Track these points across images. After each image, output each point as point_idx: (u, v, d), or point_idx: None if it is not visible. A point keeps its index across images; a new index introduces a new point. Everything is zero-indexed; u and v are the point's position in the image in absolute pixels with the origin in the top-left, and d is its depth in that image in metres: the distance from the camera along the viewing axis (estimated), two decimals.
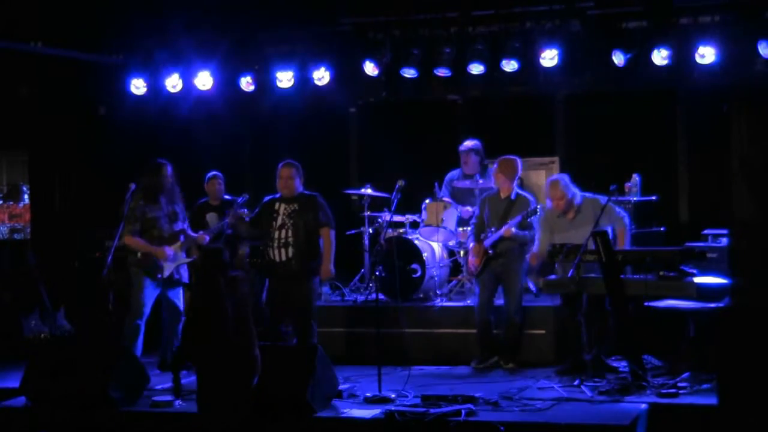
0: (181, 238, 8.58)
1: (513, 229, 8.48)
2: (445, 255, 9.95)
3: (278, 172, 8.22)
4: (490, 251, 8.61)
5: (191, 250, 8.62)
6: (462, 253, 9.57)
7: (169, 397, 7.60)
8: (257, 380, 6.50)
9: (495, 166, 8.81)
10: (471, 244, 8.87)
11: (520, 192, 8.77)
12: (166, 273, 8.48)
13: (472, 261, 8.78)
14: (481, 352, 8.73)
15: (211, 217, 9.64)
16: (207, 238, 8.72)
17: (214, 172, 9.73)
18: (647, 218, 9.37)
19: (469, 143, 9.77)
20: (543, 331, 8.82)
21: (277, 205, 8.20)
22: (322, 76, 10.38)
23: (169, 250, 8.48)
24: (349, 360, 8.79)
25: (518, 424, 6.81)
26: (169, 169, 8.60)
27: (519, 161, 8.77)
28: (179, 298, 8.67)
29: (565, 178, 8.32)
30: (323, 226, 8.18)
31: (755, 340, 6.00)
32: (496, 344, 8.71)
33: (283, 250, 8.10)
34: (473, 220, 9.05)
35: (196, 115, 10.87)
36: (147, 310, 8.45)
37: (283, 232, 8.10)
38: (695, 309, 7.84)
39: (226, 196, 9.66)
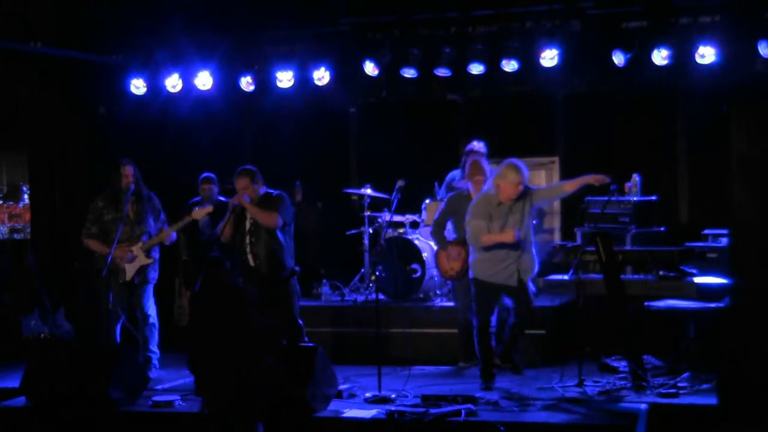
0: (144, 238, 8.52)
1: None
2: None
3: (236, 184, 8.14)
4: None
5: (151, 249, 8.54)
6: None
7: (169, 397, 7.62)
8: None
9: (468, 167, 8.69)
10: (447, 248, 8.59)
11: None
12: (128, 276, 8.48)
13: (453, 266, 8.58)
14: (465, 353, 8.71)
15: (204, 220, 9.59)
16: (174, 235, 8.62)
17: (206, 174, 9.64)
18: (647, 218, 9.37)
19: (479, 145, 9.69)
20: (543, 331, 8.82)
21: (245, 211, 8.20)
22: (322, 76, 10.37)
23: (130, 254, 8.45)
24: (349, 360, 8.78)
25: (518, 424, 6.82)
26: (129, 169, 8.52)
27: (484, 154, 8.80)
28: (148, 300, 8.62)
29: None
30: (274, 212, 8.08)
31: (755, 340, 6.01)
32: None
33: (253, 255, 8.12)
34: (433, 222, 8.92)
35: (196, 115, 10.86)
36: (118, 313, 8.48)
37: (252, 237, 8.12)
38: (695, 309, 7.85)
39: (221, 198, 9.59)
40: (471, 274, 7.93)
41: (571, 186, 7.87)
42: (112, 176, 8.54)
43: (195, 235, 9.59)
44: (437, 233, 8.69)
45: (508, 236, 7.65)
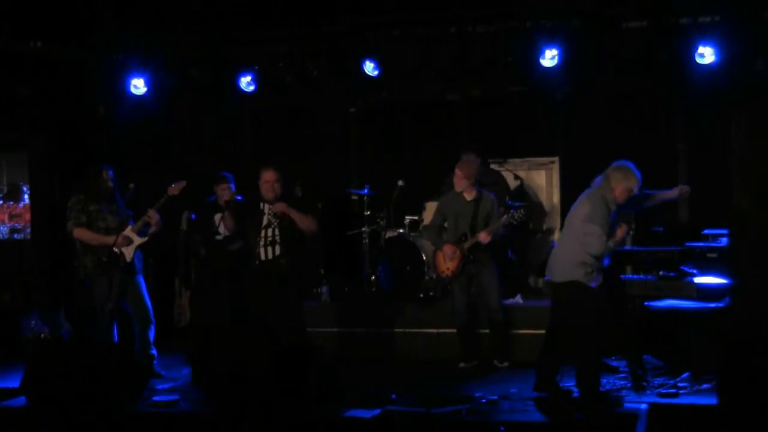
0: (131, 222, 8.55)
1: (490, 235, 8.51)
2: None
3: (262, 176, 8.11)
4: (470, 256, 8.60)
5: (141, 230, 8.53)
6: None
7: (169, 397, 7.62)
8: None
9: (459, 166, 8.76)
10: (442, 249, 8.69)
11: (482, 191, 8.77)
12: (128, 258, 8.46)
13: (449, 266, 8.68)
14: (466, 353, 8.73)
15: (218, 218, 9.60)
16: (156, 213, 8.57)
17: (222, 173, 9.65)
18: (647, 218, 9.37)
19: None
20: (543, 331, 8.79)
21: (261, 206, 8.20)
22: (322, 76, 10.36)
23: (124, 235, 8.46)
24: (349, 360, 8.79)
25: (518, 423, 6.82)
26: (110, 173, 8.54)
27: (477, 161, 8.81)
28: (144, 290, 8.60)
29: None
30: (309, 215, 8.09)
31: (755, 340, 6.02)
32: (478, 344, 8.72)
33: (270, 249, 8.08)
34: (428, 224, 8.98)
35: (195, 115, 10.86)
36: (115, 305, 8.42)
37: (270, 231, 8.09)
38: (695, 309, 7.85)
39: (237, 198, 9.60)
40: (586, 282, 7.24)
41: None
42: (91, 179, 8.53)
43: (210, 235, 9.58)
44: (434, 234, 8.78)
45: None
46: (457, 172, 8.64)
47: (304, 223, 8.03)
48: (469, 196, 8.66)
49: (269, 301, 8.06)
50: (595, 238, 7.19)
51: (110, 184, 8.54)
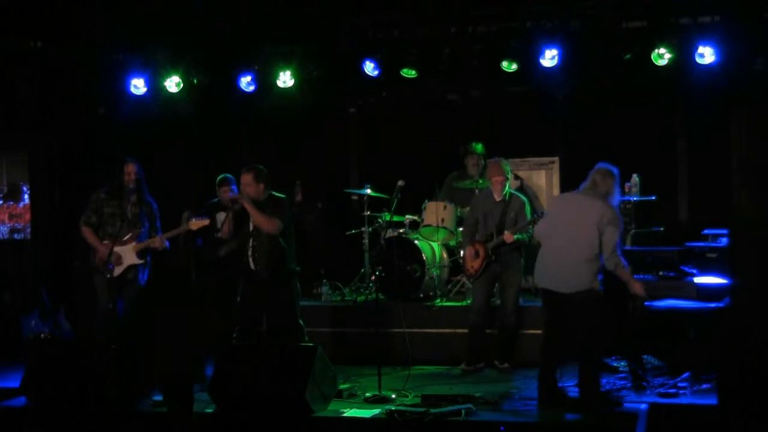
0: (142, 237, 8.53)
1: (514, 236, 8.50)
2: (445, 255, 9.95)
3: (240, 179, 8.07)
4: (492, 256, 8.61)
5: (144, 252, 8.55)
6: (462, 253, 9.56)
7: None
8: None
9: (489, 168, 8.83)
10: (468, 247, 8.81)
11: (513, 192, 8.79)
12: (116, 273, 8.46)
13: (473, 264, 8.75)
14: (471, 355, 8.72)
15: (220, 217, 9.61)
16: (167, 242, 8.59)
17: (224, 175, 9.63)
18: (647, 218, 9.37)
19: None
20: (542, 331, 8.80)
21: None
22: (321, 76, 10.36)
23: (120, 251, 8.44)
24: (349, 360, 8.79)
25: (518, 424, 6.83)
26: (133, 167, 8.55)
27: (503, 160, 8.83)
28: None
29: None
30: (274, 218, 7.98)
31: (755, 340, 6.01)
32: (486, 348, 8.71)
33: (253, 258, 8.04)
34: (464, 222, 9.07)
35: (195, 115, 10.85)
36: (111, 305, 8.44)
37: (255, 241, 8.04)
38: (695, 309, 7.85)
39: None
40: (597, 287, 7.23)
41: (623, 275, 7.37)
42: (116, 172, 8.56)
43: (211, 233, 9.58)
44: (465, 233, 8.93)
45: (639, 289, 7.33)
46: (494, 179, 8.65)
47: (258, 219, 7.94)
48: (498, 196, 8.67)
49: (257, 305, 8.03)
50: (613, 241, 7.15)
51: (132, 177, 8.52)
